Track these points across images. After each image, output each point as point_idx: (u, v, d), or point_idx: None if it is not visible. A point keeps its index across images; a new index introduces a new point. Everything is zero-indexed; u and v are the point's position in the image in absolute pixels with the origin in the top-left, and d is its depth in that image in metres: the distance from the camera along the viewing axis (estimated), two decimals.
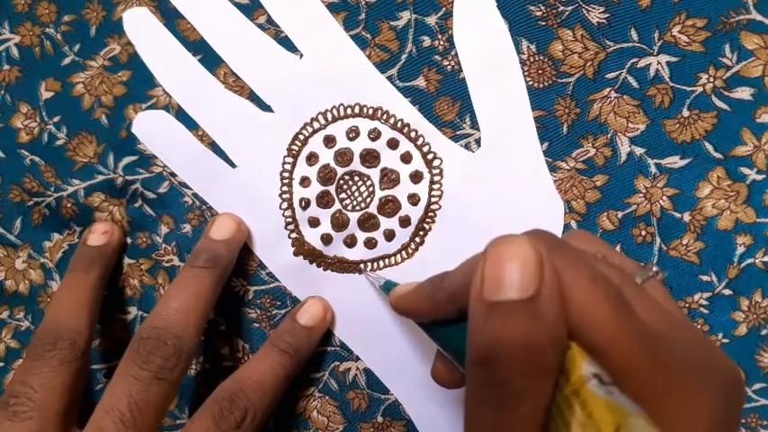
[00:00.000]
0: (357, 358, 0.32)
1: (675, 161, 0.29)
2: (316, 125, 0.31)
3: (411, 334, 0.31)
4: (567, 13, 0.29)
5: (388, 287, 0.27)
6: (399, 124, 0.30)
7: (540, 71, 0.29)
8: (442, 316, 0.22)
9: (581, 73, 0.29)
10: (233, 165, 0.31)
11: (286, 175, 0.31)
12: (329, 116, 0.31)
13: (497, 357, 0.16)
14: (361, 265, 0.31)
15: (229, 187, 0.32)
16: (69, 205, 0.33)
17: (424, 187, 0.31)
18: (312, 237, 0.31)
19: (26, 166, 0.33)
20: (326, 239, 0.31)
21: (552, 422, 0.16)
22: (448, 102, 0.30)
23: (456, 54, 0.30)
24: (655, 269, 0.22)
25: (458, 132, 0.30)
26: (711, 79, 0.28)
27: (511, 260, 0.16)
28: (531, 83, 0.30)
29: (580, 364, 0.16)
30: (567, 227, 0.30)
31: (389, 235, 0.31)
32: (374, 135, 0.30)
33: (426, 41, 0.30)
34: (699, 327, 0.30)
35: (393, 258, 0.31)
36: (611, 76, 0.29)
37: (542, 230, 0.20)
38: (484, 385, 0.17)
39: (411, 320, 0.31)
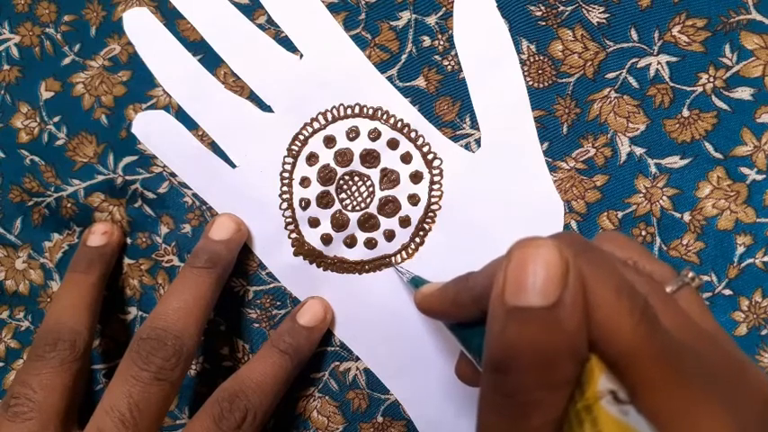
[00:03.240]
0: (357, 358, 0.32)
1: (675, 161, 0.29)
2: (316, 125, 0.31)
3: (411, 334, 0.31)
4: (567, 13, 0.29)
5: (416, 282, 0.27)
6: (399, 124, 0.30)
7: (540, 71, 0.29)
8: (466, 317, 0.21)
9: (581, 73, 0.29)
10: (233, 165, 0.31)
11: (286, 175, 0.31)
12: (329, 116, 0.31)
13: (511, 366, 0.15)
14: (392, 258, 0.31)
15: (229, 187, 0.32)
16: (69, 205, 0.33)
17: (424, 187, 0.31)
18: (312, 237, 0.31)
19: (26, 166, 0.33)
20: (326, 240, 0.31)
21: None
22: (448, 102, 0.30)
23: (456, 54, 0.30)
24: (690, 275, 0.20)
25: (458, 132, 0.30)
26: (711, 79, 0.28)
27: (535, 264, 0.15)
28: (531, 83, 0.30)
29: (597, 379, 0.15)
30: (566, 227, 0.30)
31: (389, 235, 0.31)
32: (374, 135, 0.30)
33: (426, 41, 0.30)
34: None
35: (393, 259, 0.31)
36: (611, 75, 0.29)
37: (571, 233, 0.19)
38: (496, 393, 0.16)
39: (419, 321, 0.31)
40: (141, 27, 0.31)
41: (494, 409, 0.16)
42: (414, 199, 0.31)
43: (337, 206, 0.31)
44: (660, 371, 0.15)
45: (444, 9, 0.30)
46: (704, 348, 0.17)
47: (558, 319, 0.15)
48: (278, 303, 0.32)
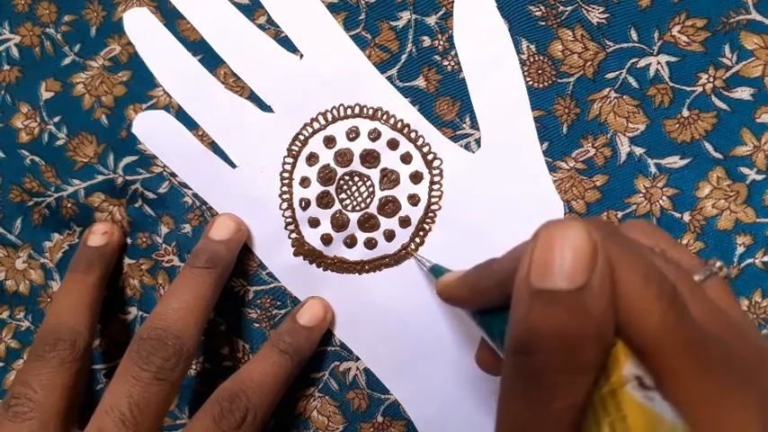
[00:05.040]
0: (357, 358, 0.32)
1: (675, 161, 0.29)
2: (316, 125, 0.31)
3: (411, 334, 0.31)
4: (566, 13, 0.29)
5: (436, 271, 0.27)
6: (399, 125, 0.30)
7: (539, 71, 0.29)
8: (488, 304, 0.21)
9: (581, 73, 0.29)
10: (233, 165, 0.31)
11: (286, 175, 0.31)
12: (329, 116, 0.31)
13: (535, 348, 0.15)
14: (410, 247, 0.31)
15: (229, 187, 0.32)
16: (69, 205, 0.33)
17: (424, 188, 0.31)
18: (312, 237, 0.31)
19: (26, 166, 0.33)
20: (326, 240, 0.31)
21: (585, 421, 0.15)
22: (448, 102, 0.30)
23: (456, 54, 0.30)
24: (718, 265, 0.20)
25: (458, 132, 0.30)
26: (711, 79, 0.28)
27: (562, 246, 0.15)
28: (530, 83, 0.30)
29: (623, 364, 0.15)
30: None
31: (389, 235, 0.31)
32: (374, 135, 0.30)
33: (426, 41, 0.30)
34: None
35: (393, 258, 0.31)
36: (610, 75, 0.29)
37: (600, 219, 0.18)
38: (519, 376, 0.16)
39: (419, 321, 0.31)
40: (141, 27, 0.31)
41: (516, 392, 0.16)
42: (414, 199, 0.31)
43: (337, 206, 0.31)
44: (687, 359, 0.15)
45: (444, 9, 0.30)
46: (732, 338, 0.17)
47: (585, 302, 0.15)
48: (278, 303, 0.32)
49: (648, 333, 0.15)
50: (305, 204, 0.31)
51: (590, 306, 0.15)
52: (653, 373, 0.15)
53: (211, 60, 0.31)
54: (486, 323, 0.22)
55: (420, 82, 0.30)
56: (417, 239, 0.31)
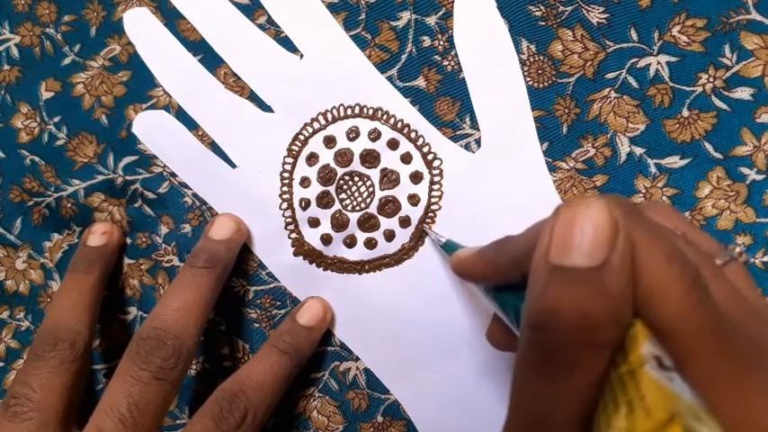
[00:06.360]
0: (357, 358, 0.32)
1: (675, 161, 0.29)
2: (316, 125, 0.31)
3: (411, 334, 0.31)
4: (566, 13, 0.29)
5: (449, 247, 0.27)
6: (399, 125, 0.30)
7: (539, 71, 0.29)
8: (504, 281, 0.21)
9: (581, 73, 0.29)
10: (233, 165, 0.31)
11: (286, 175, 0.31)
12: (329, 116, 0.31)
13: (552, 324, 0.15)
14: (424, 225, 0.31)
15: (229, 187, 0.32)
16: (69, 205, 0.33)
17: (424, 188, 0.31)
18: (312, 237, 0.31)
19: (26, 166, 0.33)
20: (326, 240, 0.31)
21: (602, 399, 0.15)
22: (448, 102, 0.30)
23: (456, 54, 0.30)
24: (738, 250, 0.20)
25: (458, 132, 0.30)
26: (711, 79, 0.28)
27: (583, 223, 0.15)
28: (530, 83, 0.30)
29: (642, 344, 0.15)
30: None
31: (389, 235, 0.31)
32: (374, 135, 0.30)
33: (426, 41, 0.30)
34: None
35: (393, 258, 0.31)
36: (610, 75, 0.29)
37: (621, 197, 0.18)
38: (535, 351, 0.16)
39: (419, 321, 0.31)
40: (141, 27, 0.31)
41: (532, 368, 0.16)
42: (414, 199, 0.31)
43: (337, 206, 0.31)
44: (708, 341, 0.15)
45: (444, 9, 0.30)
46: (753, 323, 0.17)
47: (604, 281, 0.14)
48: (278, 303, 0.32)
49: (669, 314, 0.15)
50: (305, 204, 0.31)
51: (609, 284, 0.14)
52: (672, 355, 0.15)
53: (211, 60, 0.31)
54: (500, 299, 0.22)
55: (420, 82, 0.30)
56: (417, 240, 0.31)
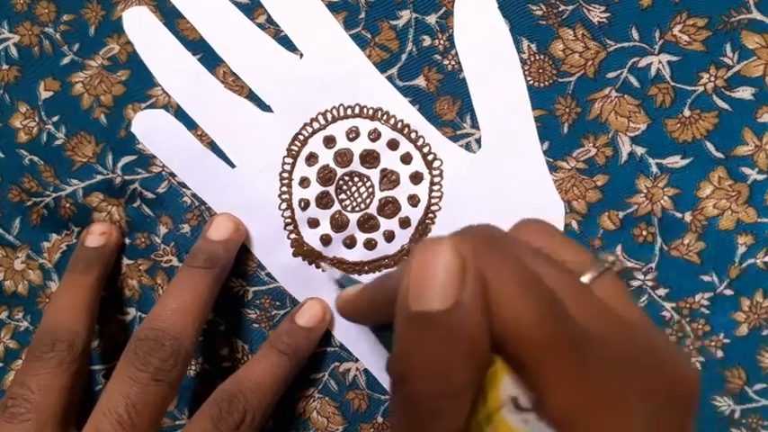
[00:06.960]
0: (357, 359, 0.32)
1: (676, 161, 0.29)
2: (315, 125, 0.31)
3: None
4: (567, 12, 0.29)
5: (345, 283, 0.25)
6: (399, 125, 0.30)
7: (540, 70, 0.29)
8: (385, 319, 0.20)
9: (582, 72, 0.29)
10: (232, 165, 0.31)
11: (285, 175, 0.31)
12: (329, 116, 0.31)
13: (408, 375, 0.15)
14: (321, 263, 0.30)
15: (228, 187, 0.31)
16: (68, 205, 0.33)
17: (425, 188, 0.31)
18: (311, 237, 0.31)
19: (25, 166, 0.33)
20: (326, 240, 0.31)
21: None
22: (448, 101, 0.30)
23: (456, 53, 0.30)
24: (611, 259, 0.19)
25: (458, 132, 0.30)
26: (712, 79, 0.28)
27: (435, 265, 0.14)
28: (531, 82, 0.29)
29: (499, 385, 0.14)
30: (567, 227, 0.30)
31: (389, 236, 0.31)
32: (374, 136, 0.30)
33: (426, 41, 0.30)
34: (699, 327, 0.30)
35: (393, 259, 0.31)
36: (611, 75, 0.29)
37: (481, 227, 0.17)
38: (399, 402, 0.15)
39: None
40: (141, 26, 0.31)
41: (401, 416, 0.16)
42: (414, 200, 0.31)
43: (337, 207, 0.31)
44: (566, 366, 0.15)
45: (445, 8, 0.29)
46: (619, 338, 0.16)
47: (456, 322, 0.14)
48: (277, 304, 0.32)
49: (527, 343, 0.15)
50: (304, 205, 0.31)
51: (462, 325, 0.14)
52: (535, 387, 0.15)
53: (211, 60, 0.31)
54: (383, 339, 0.21)
55: (420, 81, 0.30)
56: (417, 241, 0.31)
